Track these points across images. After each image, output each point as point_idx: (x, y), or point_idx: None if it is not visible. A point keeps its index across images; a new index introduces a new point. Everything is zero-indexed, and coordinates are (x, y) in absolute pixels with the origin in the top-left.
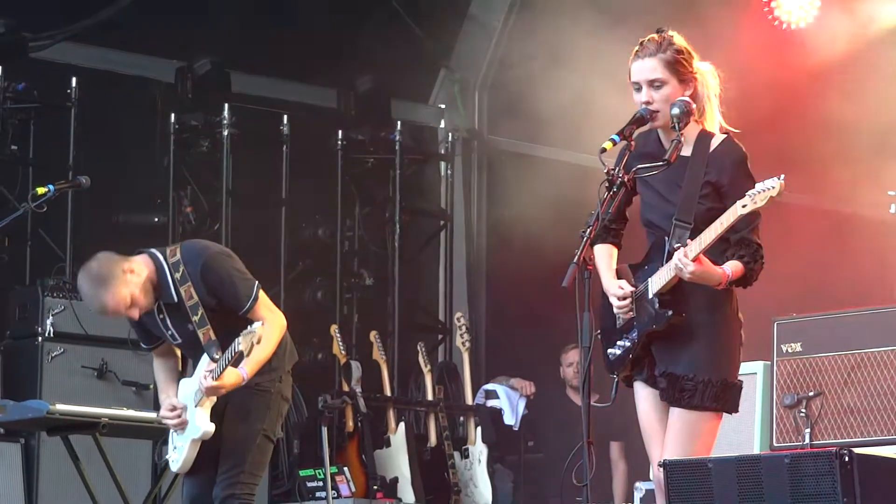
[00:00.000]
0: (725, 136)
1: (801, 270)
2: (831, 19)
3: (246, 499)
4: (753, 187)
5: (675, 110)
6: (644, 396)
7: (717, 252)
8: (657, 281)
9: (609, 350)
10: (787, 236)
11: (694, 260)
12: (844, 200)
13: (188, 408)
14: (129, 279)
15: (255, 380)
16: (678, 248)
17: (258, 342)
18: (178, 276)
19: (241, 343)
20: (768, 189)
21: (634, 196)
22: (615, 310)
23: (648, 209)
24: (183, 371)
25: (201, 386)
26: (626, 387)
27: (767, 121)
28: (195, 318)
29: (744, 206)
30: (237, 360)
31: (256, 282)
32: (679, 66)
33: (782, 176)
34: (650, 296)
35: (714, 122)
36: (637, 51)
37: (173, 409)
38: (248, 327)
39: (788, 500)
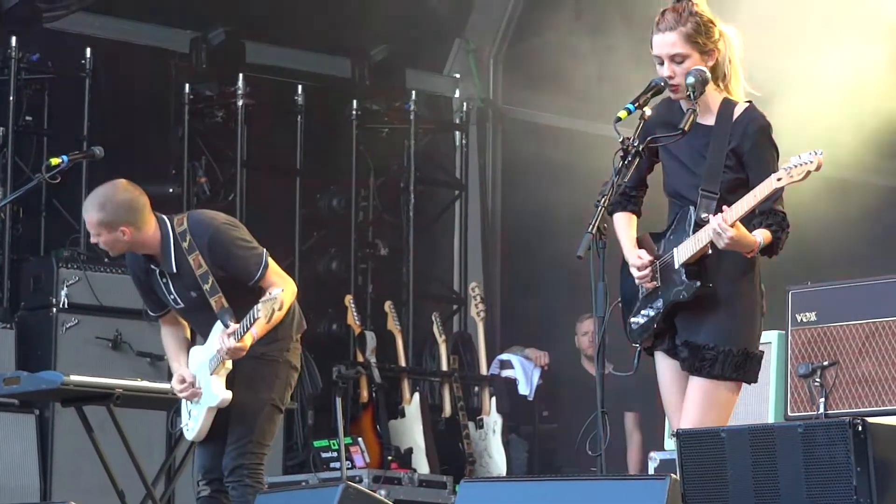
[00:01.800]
0: (749, 103)
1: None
2: None
3: (254, 468)
4: (773, 156)
5: (690, 79)
6: (665, 367)
7: (744, 221)
8: (684, 251)
9: (632, 319)
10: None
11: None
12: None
13: (203, 376)
14: (133, 231)
15: (261, 349)
16: (706, 217)
17: (279, 308)
18: (185, 245)
19: (260, 310)
20: (806, 163)
21: (655, 163)
22: (636, 280)
23: (672, 179)
24: (192, 341)
25: (223, 346)
26: (648, 356)
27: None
28: (206, 287)
29: (779, 180)
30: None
31: (264, 250)
32: (700, 38)
33: (820, 151)
34: (676, 266)
35: (739, 87)
36: (657, 22)
37: (183, 380)
38: (268, 294)
39: (802, 469)
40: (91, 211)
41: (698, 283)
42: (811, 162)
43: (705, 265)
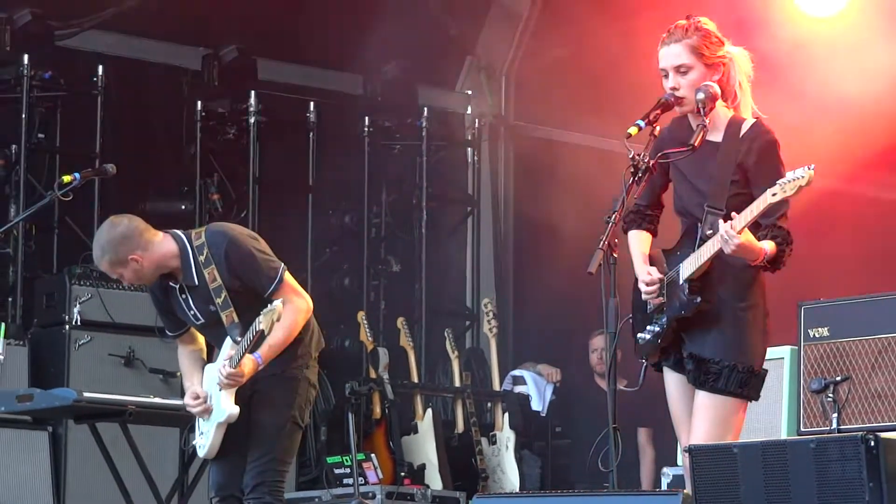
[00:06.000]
0: (756, 119)
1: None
2: None
3: (276, 485)
4: (781, 172)
5: (700, 95)
6: (672, 381)
7: None
8: (688, 267)
9: (639, 335)
10: (819, 222)
11: (738, 233)
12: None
13: (213, 392)
14: (143, 254)
15: (282, 367)
16: (710, 233)
17: (278, 319)
18: (202, 258)
19: (261, 322)
20: (798, 178)
21: (669, 182)
22: (643, 295)
23: (679, 196)
24: (208, 358)
25: (220, 376)
26: (656, 371)
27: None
28: (218, 301)
29: (773, 195)
30: (258, 340)
31: (282, 264)
32: (705, 51)
33: (812, 166)
34: (681, 281)
35: (747, 106)
36: (664, 37)
37: (197, 397)
38: (268, 305)
39: (814, 485)
40: (99, 260)
41: (698, 300)
42: (802, 177)
43: (708, 281)
